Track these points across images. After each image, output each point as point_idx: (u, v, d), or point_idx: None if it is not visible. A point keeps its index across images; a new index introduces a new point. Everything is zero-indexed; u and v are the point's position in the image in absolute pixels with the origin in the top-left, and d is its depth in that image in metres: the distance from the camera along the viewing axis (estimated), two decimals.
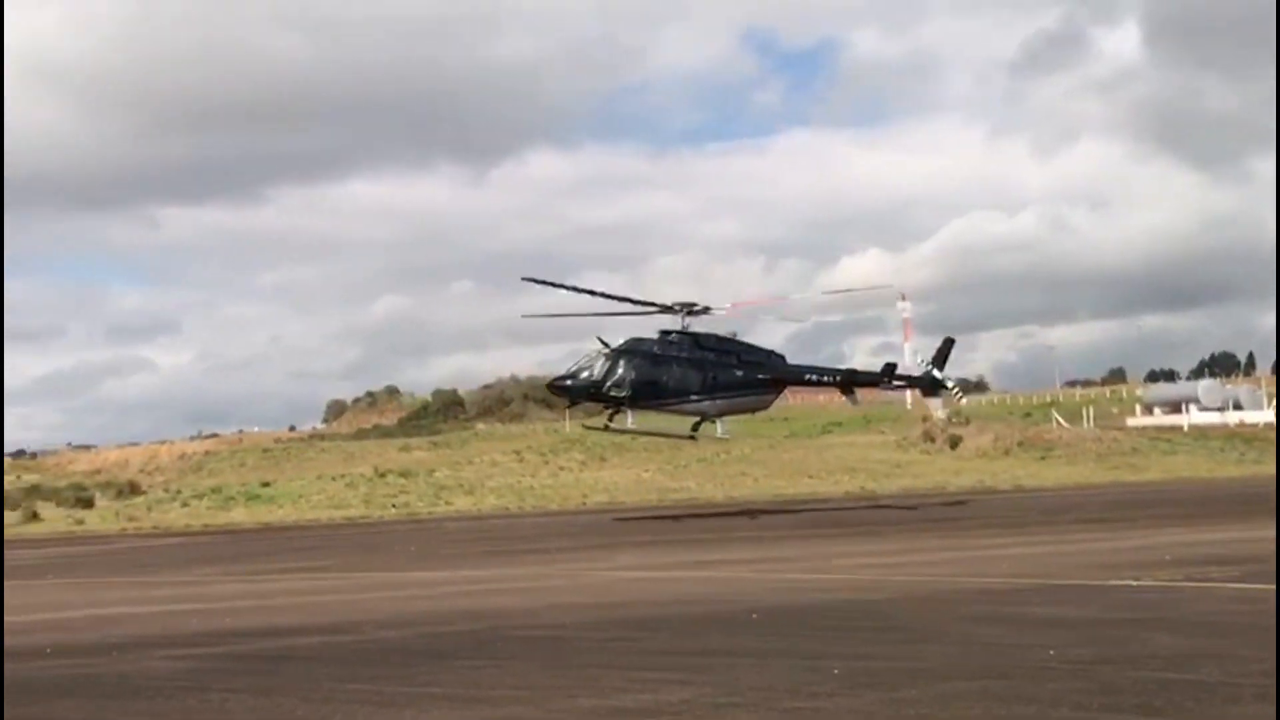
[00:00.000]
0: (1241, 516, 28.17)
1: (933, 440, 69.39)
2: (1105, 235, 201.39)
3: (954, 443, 67.89)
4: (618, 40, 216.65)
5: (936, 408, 41.65)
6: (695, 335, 38.08)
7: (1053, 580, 16.94)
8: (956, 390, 41.74)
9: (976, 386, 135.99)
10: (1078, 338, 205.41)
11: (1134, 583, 16.16)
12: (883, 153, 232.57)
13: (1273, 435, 64.63)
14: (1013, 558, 20.50)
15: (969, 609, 14.32)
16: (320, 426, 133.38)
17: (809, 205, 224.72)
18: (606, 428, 39.17)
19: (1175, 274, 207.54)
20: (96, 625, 16.10)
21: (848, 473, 57.56)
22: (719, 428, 38.59)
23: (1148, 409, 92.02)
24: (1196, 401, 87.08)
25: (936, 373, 39.31)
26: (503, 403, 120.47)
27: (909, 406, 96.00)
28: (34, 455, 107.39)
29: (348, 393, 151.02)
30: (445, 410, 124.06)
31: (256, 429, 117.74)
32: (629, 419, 37.76)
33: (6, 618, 17.35)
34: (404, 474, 62.14)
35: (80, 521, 49.68)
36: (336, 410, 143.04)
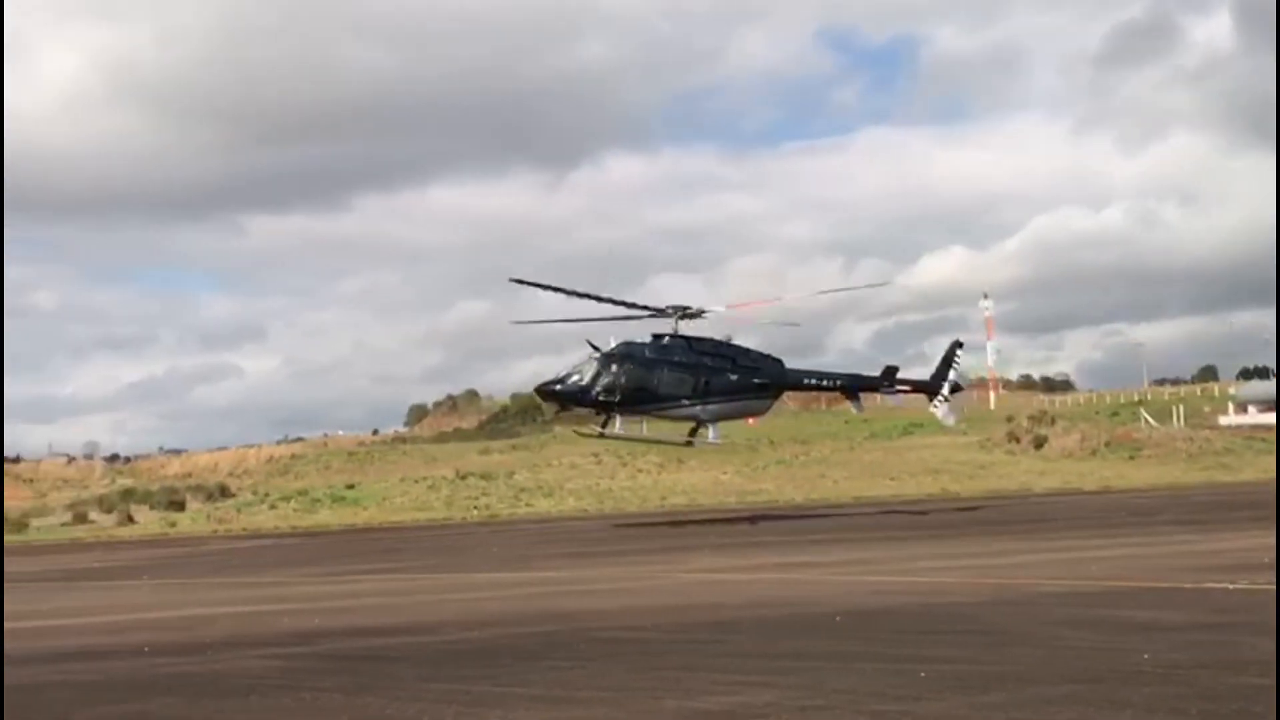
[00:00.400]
0: None
1: (1017, 441, 68.27)
2: (1195, 230, 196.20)
3: (1039, 443, 66.72)
4: (693, 42, 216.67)
5: (944, 413, 40.16)
6: (688, 339, 37.22)
7: (1144, 583, 16.55)
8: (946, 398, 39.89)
9: (1062, 386, 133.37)
10: (1166, 335, 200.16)
11: (1230, 586, 15.70)
12: (965, 149, 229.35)
13: None
14: (1102, 560, 20.07)
15: (1057, 612, 14.05)
16: (402, 430, 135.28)
17: (888, 204, 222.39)
18: (601, 435, 38.20)
19: (1268, 269, 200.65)
20: (191, 625, 16.51)
21: (930, 474, 56.82)
22: (710, 433, 37.52)
23: (1240, 407, 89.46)
24: None
25: (956, 380, 38.56)
26: None
27: (992, 406, 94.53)
28: (128, 460, 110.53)
29: (429, 397, 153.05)
30: (524, 413, 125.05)
31: (341, 433, 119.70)
32: (617, 424, 36.90)
33: (105, 617, 17.92)
34: (484, 476, 62.86)
35: (173, 524, 51.08)
36: (418, 414, 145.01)
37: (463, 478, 62.94)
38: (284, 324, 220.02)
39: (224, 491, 65.62)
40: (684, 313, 37.02)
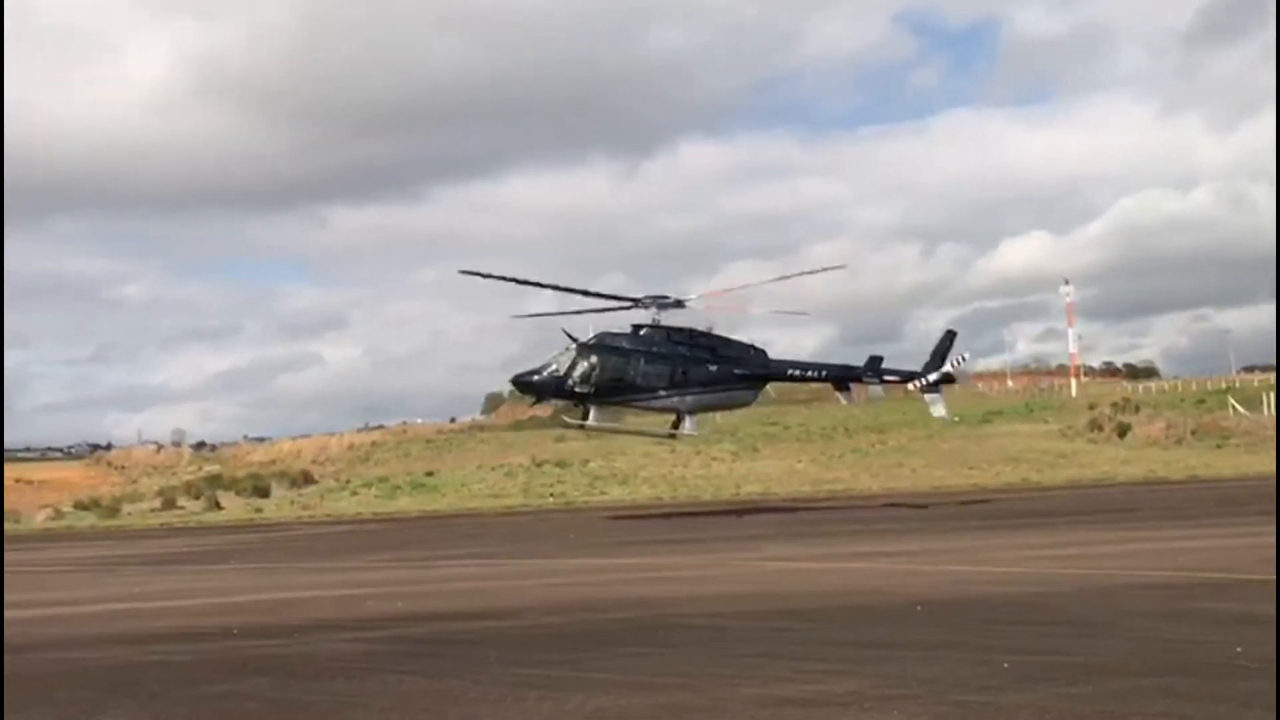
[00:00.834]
0: None
1: (1100, 429, 66.87)
2: None
3: (1122, 431, 65.28)
4: (770, 27, 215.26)
5: (936, 405, 39.17)
6: (667, 329, 36.55)
7: (1236, 575, 16.14)
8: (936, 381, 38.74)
9: (1146, 373, 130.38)
10: (1256, 321, 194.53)
11: None
12: (1047, 131, 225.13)
13: None
14: (1190, 551, 19.61)
15: (1145, 604, 13.78)
16: (479, 418, 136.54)
17: (968, 187, 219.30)
18: (582, 426, 37.67)
19: None
20: (278, 608, 16.88)
21: (1009, 463, 55.89)
22: (687, 424, 37.00)
23: None
24: None
25: (949, 372, 37.48)
26: None
27: (1074, 394, 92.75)
28: (214, 447, 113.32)
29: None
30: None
31: (419, 420, 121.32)
32: (591, 416, 36.37)
33: (196, 600, 18.40)
34: (560, 464, 63.23)
35: (258, 510, 52.19)
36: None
37: (538, 465, 63.37)
38: (364, 314, 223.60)
39: (307, 478, 66.80)
40: (661, 302, 36.47)
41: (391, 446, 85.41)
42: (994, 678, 9.56)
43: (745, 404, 39.48)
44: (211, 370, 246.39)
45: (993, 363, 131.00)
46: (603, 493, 52.19)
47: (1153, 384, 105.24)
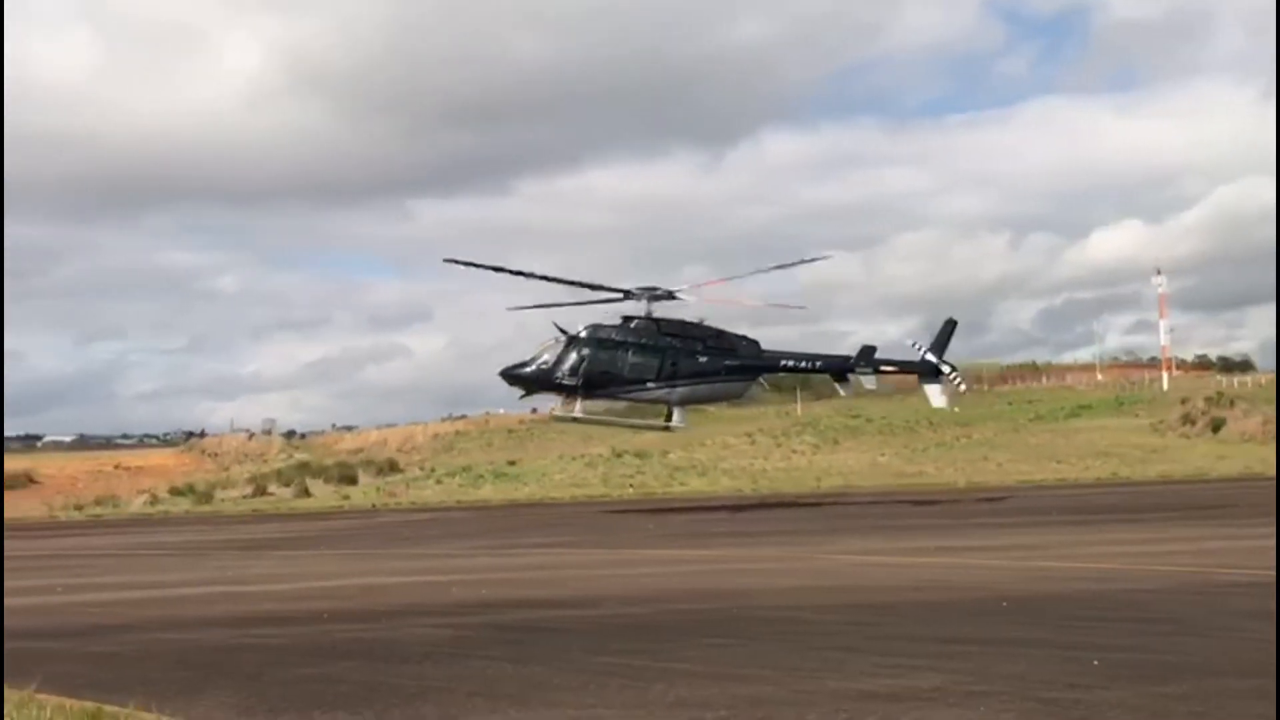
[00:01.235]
0: None
1: (1193, 423, 65.15)
2: None
3: (1216, 426, 63.51)
4: (854, 16, 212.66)
5: (935, 396, 38.18)
6: (657, 321, 36.21)
7: None
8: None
9: (1241, 366, 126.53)
10: None
11: None
12: (1141, 118, 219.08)
13: None
14: None
15: (1238, 603, 13.46)
16: (559, 409, 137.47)
17: (1058, 176, 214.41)
18: (576, 419, 37.56)
19: None
20: (366, 594, 17.25)
21: (1098, 457, 54.74)
22: (675, 416, 36.62)
23: None
24: None
25: (932, 357, 36.62)
26: None
27: (1165, 388, 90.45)
28: (303, 436, 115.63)
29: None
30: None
31: (502, 411, 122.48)
32: (576, 408, 36.18)
33: (287, 585, 18.88)
34: (639, 455, 63.49)
35: (346, 497, 53.27)
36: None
37: (618, 456, 63.72)
38: (449, 306, 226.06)
39: (393, 467, 67.98)
40: (653, 294, 36.27)
41: (474, 436, 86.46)
42: (1082, 675, 9.43)
43: (736, 396, 39.31)
44: (301, 360, 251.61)
45: (1082, 355, 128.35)
46: (682, 484, 52.28)
47: (1248, 378, 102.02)
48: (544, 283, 35.44)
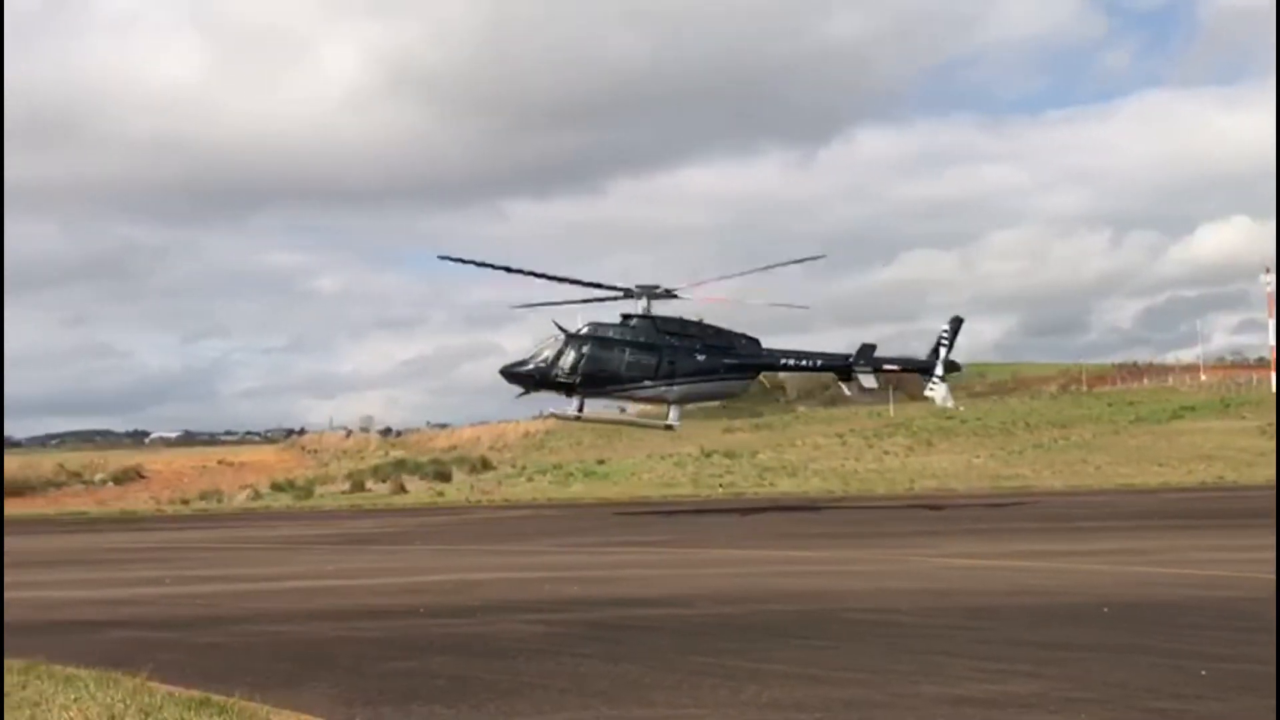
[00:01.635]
0: None
1: None
2: None
3: None
4: (951, 10, 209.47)
5: (942, 396, 37.32)
6: (654, 319, 36.18)
7: None
8: (935, 383, 36.81)
9: None
10: None
11: None
12: (1249, 111, 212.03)
13: None
14: None
15: None
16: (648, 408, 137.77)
17: (1161, 172, 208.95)
18: (577, 418, 37.56)
19: None
20: (460, 589, 17.48)
21: (1203, 461, 53.07)
22: (671, 414, 36.69)
23: None
24: None
25: (954, 360, 36.08)
26: (824, 385, 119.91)
27: (1274, 389, 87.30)
28: (399, 433, 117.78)
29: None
30: (766, 392, 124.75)
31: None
32: (571, 406, 36.15)
33: (384, 579, 19.24)
34: (728, 455, 63.36)
35: (440, 493, 54.12)
36: None
37: (707, 455, 63.65)
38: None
39: (485, 464, 68.90)
40: (651, 292, 36.23)
41: (565, 435, 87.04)
42: (1188, 685, 9.15)
43: (734, 394, 39.43)
44: (398, 358, 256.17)
45: (1185, 355, 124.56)
46: (772, 485, 52.01)
47: None
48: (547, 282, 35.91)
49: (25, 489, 65.82)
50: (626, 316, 36.64)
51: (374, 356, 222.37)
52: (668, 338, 36.19)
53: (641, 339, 36.02)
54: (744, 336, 37.30)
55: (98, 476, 74.05)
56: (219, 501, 55.31)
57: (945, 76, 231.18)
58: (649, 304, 36.39)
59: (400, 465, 69.29)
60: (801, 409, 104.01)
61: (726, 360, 36.58)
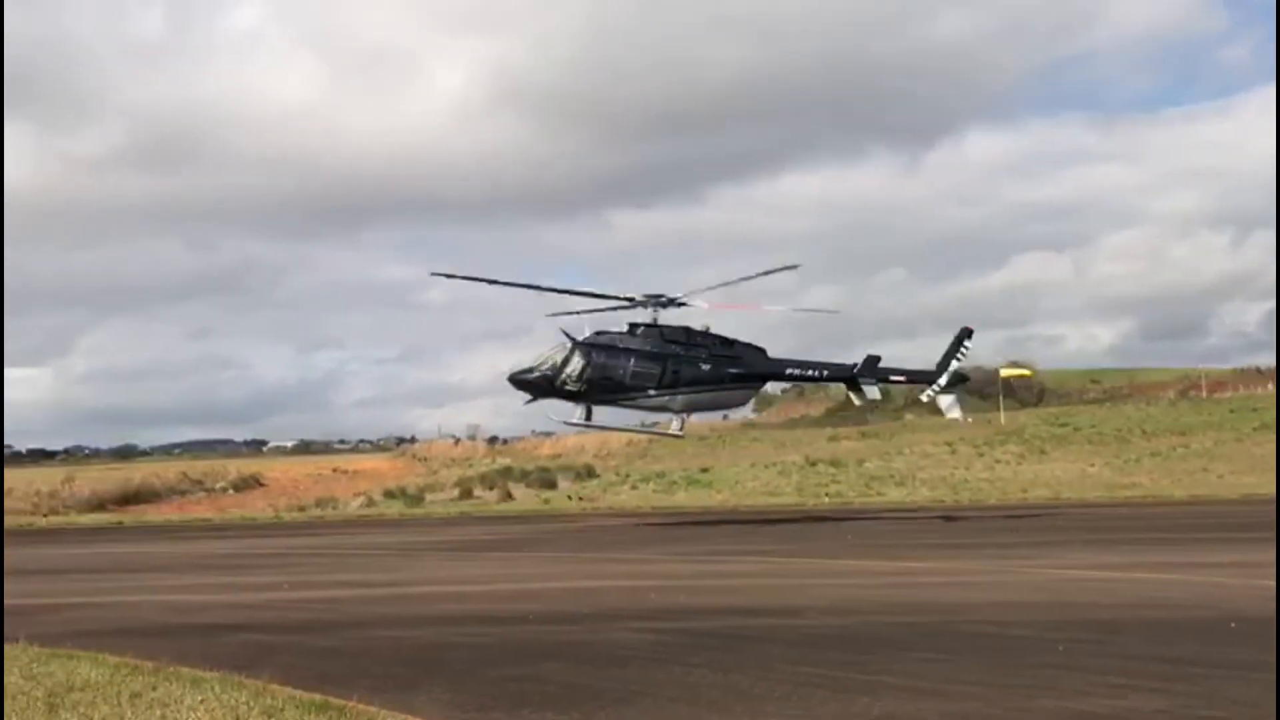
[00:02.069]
0: None
1: None
2: None
3: None
4: (1062, 6, 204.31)
5: (950, 406, 36.54)
6: (662, 328, 36.01)
7: None
8: (934, 392, 36.27)
9: None
10: None
11: None
12: None
13: None
14: None
15: None
16: (752, 416, 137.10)
17: None
18: (586, 425, 37.44)
19: None
20: (569, 596, 17.62)
21: None
22: (675, 424, 36.76)
23: None
24: None
25: (961, 370, 35.35)
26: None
27: None
28: (505, 441, 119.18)
29: (777, 384, 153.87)
30: (871, 401, 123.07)
31: (694, 418, 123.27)
32: (576, 414, 36.08)
33: (494, 586, 19.50)
34: (834, 463, 62.66)
35: (546, 501, 54.67)
36: (766, 400, 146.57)
37: (812, 464, 63.03)
38: (644, 315, 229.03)
39: (590, 472, 69.39)
40: (658, 301, 36.08)
41: (668, 443, 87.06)
42: None
43: (739, 404, 39.38)
44: (505, 369, 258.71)
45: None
46: (879, 494, 51.30)
47: None
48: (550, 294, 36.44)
49: (152, 496, 68.39)
50: (633, 325, 37.07)
51: (481, 366, 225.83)
52: (673, 346, 36.56)
53: (646, 348, 36.42)
54: (750, 346, 37.54)
55: (219, 484, 76.57)
56: (334, 508, 56.71)
57: (1056, 76, 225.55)
58: (656, 313, 36.91)
59: (507, 472, 70.20)
60: (909, 417, 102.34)
61: (731, 370, 36.85)
